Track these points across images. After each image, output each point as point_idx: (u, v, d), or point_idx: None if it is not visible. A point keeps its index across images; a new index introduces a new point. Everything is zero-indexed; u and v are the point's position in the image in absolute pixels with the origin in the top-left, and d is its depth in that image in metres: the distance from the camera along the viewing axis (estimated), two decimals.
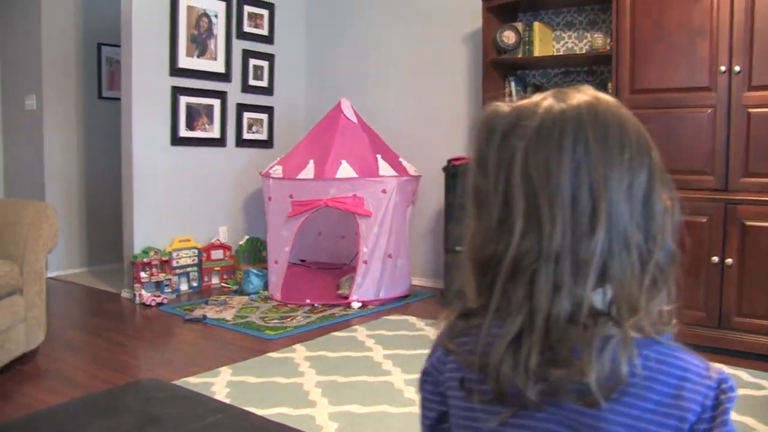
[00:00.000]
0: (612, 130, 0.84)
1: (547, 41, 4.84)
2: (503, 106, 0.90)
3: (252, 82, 5.91)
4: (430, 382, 1.00)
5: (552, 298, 0.80)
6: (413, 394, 3.11)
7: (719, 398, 0.82)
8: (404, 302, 5.02)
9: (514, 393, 0.82)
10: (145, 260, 5.02)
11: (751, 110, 3.66)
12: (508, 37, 4.74)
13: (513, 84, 4.87)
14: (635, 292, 0.81)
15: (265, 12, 5.98)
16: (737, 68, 3.68)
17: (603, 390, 0.78)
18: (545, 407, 0.83)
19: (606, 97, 0.88)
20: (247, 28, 5.83)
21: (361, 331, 4.19)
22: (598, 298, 0.82)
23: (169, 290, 5.15)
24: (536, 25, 4.71)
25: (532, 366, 0.80)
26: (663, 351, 0.83)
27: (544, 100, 0.87)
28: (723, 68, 3.71)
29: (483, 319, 0.87)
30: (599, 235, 0.80)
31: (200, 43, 5.46)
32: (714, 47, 3.75)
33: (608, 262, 0.81)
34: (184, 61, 5.34)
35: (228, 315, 4.53)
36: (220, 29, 5.59)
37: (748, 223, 3.63)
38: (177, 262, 5.25)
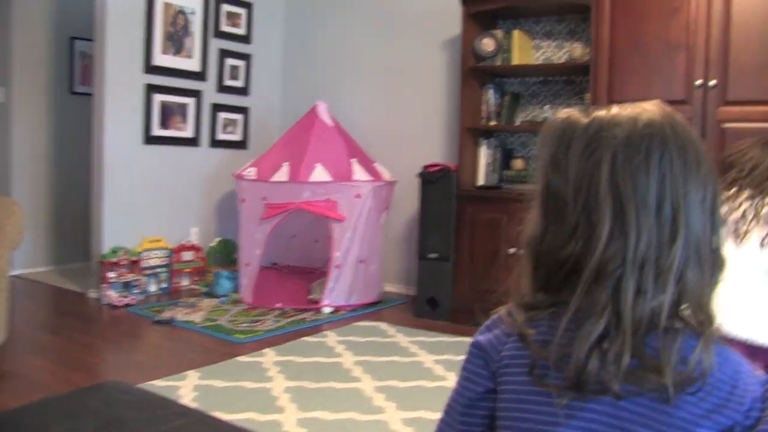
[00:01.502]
0: (690, 147, 0.90)
1: (527, 49, 4.84)
2: (579, 115, 0.95)
3: (228, 81, 5.85)
4: (482, 357, 1.02)
5: (634, 302, 0.86)
6: (382, 402, 3.08)
7: (766, 395, 0.89)
8: (376, 308, 4.98)
9: (594, 386, 0.87)
10: (113, 260, 4.94)
11: (724, 125, 3.69)
12: (487, 44, 4.73)
13: (491, 92, 4.86)
14: (706, 299, 0.89)
15: (243, 11, 5.93)
16: (713, 82, 3.70)
17: (679, 387, 0.84)
18: (620, 400, 0.87)
19: (676, 114, 0.94)
20: (224, 27, 5.77)
21: (331, 337, 4.15)
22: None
23: (138, 291, 5.07)
24: (515, 33, 4.71)
25: (623, 366, 0.85)
26: (719, 349, 0.89)
27: (623, 111, 0.93)
28: (698, 82, 3.74)
29: (545, 313, 0.93)
30: (679, 244, 0.87)
31: (176, 41, 5.39)
32: (690, 61, 3.78)
33: (684, 270, 0.87)
34: (160, 59, 5.27)
35: (197, 317, 4.47)
36: (196, 27, 5.53)
37: None
38: (146, 263, 5.17)
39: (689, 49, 3.78)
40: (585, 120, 0.94)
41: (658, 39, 3.88)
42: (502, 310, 1.02)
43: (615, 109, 0.94)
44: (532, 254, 0.96)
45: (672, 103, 3.71)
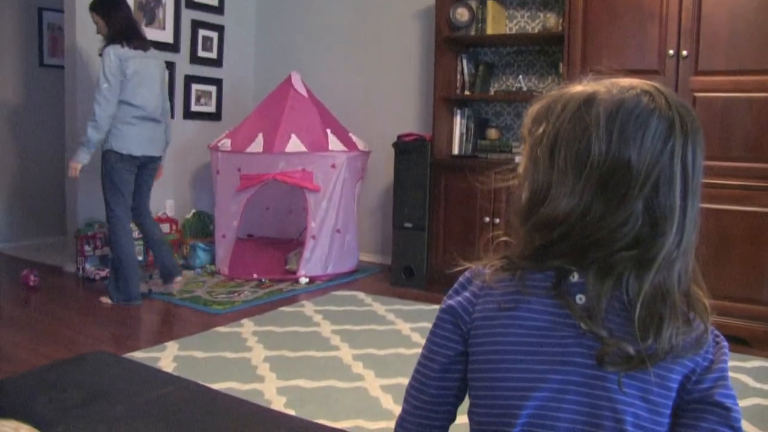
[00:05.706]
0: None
1: (500, 19, 4.85)
2: (641, 93, 0.95)
3: (201, 53, 5.79)
4: (452, 321, 1.02)
5: (679, 284, 0.92)
6: (361, 369, 3.13)
7: (717, 341, 0.97)
8: (352, 278, 5.02)
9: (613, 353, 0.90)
10: (89, 233, 4.92)
11: (696, 94, 3.74)
12: (462, 14, 4.74)
13: (465, 62, 4.88)
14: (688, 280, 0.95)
15: None
16: (684, 53, 3.75)
17: (679, 350, 0.91)
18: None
19: None
20: None
21: (308, 307, 4.19)
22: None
23: None
24: (490, 2, 4.72)
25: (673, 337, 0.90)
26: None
27: (669, 95, 0.95)
28: (671, 52, 3.78)
29: (523, 272, 0.96)
30: (674, 235, 0.91)
31: (148, 12, 5.33)
32: (663, 31, 3.82)
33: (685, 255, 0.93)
34: None
35: (174, 290, 4.47)
36: None
37: None
38: None
39: (662, 19, 3.82)
40: (653, 101, 0.93)
41: (631, 9, 3.91)
42: (469, 272, 1.03)
43: (662, 90, 0.95)
44: (552, 225, 0.93)
45: (645, 72, 3.79)
